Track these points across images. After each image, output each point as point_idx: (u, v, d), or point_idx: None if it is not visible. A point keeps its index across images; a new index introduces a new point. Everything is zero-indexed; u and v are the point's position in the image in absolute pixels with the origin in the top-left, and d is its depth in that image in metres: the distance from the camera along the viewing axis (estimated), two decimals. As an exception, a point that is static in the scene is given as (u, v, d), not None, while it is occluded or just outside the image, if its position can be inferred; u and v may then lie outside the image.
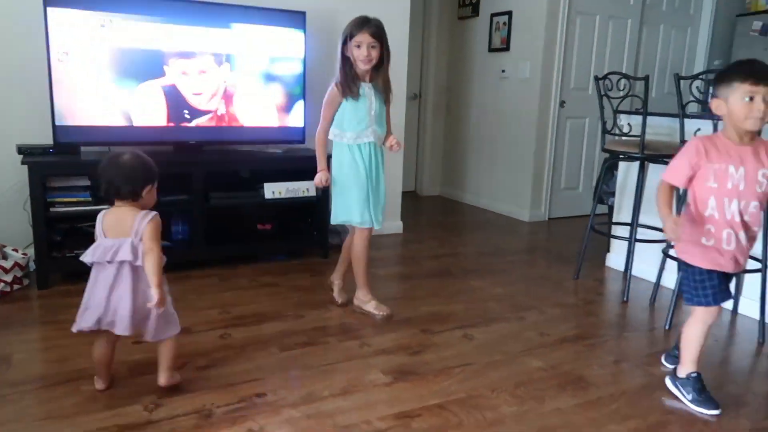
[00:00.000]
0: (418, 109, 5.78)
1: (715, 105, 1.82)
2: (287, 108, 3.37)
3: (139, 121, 3.00)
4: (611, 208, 3.69)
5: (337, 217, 2.59)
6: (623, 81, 3.01)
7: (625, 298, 2.96)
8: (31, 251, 2.86)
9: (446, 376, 2.09)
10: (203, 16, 3.05)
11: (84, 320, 1.79)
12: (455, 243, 4.04)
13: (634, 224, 2.99)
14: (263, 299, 2.77)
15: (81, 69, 2.83)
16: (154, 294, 1.72)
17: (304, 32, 3.33)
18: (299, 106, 3.40)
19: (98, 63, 2.86)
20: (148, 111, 3.02)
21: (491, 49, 5.04)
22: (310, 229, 3.52)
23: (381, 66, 2.46)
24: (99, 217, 1.81)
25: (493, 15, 4.98)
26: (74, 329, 1.80)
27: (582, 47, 4.69)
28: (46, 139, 2.90)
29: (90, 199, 2.86)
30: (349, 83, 2.42)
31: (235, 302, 2.71)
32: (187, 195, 3.06)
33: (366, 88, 2.46)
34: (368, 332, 2.45)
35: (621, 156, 3.04)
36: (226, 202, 3.19)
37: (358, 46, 2.37)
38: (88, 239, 2.97)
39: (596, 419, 1.85)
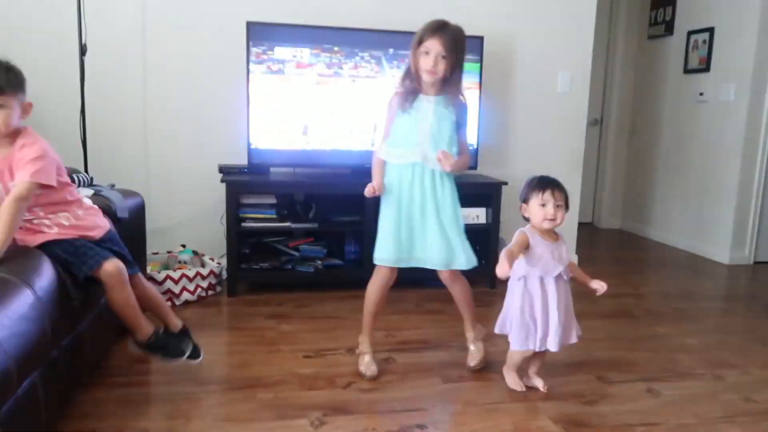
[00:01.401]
0: (599, 134, 5.43)
1: None
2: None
3: (320, 146, 3.19)
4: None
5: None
6: None
7: None
8: (224, 261, 3.15)
9: (626, 434, 1.86)
10: (376, 45, 3.15)
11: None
12: (637, 282, 3.67)
13: None
14: (428, 326, 2.75)
15: (271, 99, 3.09)
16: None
17: (481, 59, 3.29)
18: (472, 131, 3.35)
19: (287, 93, 3.10)
20: (327, 135, 3.19)
21: (687, 71, 4.56)
22: (478, 257, 3.42)
23: (451, 80, 2.09)
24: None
25: (690, 33, 4.52)
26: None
27: (804, 65, 4.03)
28: (241, 160, 3.20)
29: (275, 216, 3.09)
30: (407, 94, 2.10)
31: (400, 326, 2.71)
32: (360, 216, 3.17)
33: (425, 102, 2.10)
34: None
35: None
36: (396, 225, 3.23)
37: (427, 53, 2.01)
38: (272, 253, 3.23)
39: None
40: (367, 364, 2.21)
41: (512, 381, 2.14)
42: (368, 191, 2.13)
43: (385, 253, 2.14)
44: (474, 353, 2.30)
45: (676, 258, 4.35)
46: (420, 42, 2.03)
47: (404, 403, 2.00)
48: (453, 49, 2.02)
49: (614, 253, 4.53)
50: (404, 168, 2.12)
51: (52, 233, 1.83)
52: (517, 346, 2.04)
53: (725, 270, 4.05)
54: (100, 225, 1.99)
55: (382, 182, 2.15)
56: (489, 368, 2.30)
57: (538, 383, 2.13)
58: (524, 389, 2.11)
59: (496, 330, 2.12)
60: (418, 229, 2.14)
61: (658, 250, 4.58)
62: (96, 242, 1.92)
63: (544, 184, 1.99)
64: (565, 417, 1.95)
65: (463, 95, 2.16)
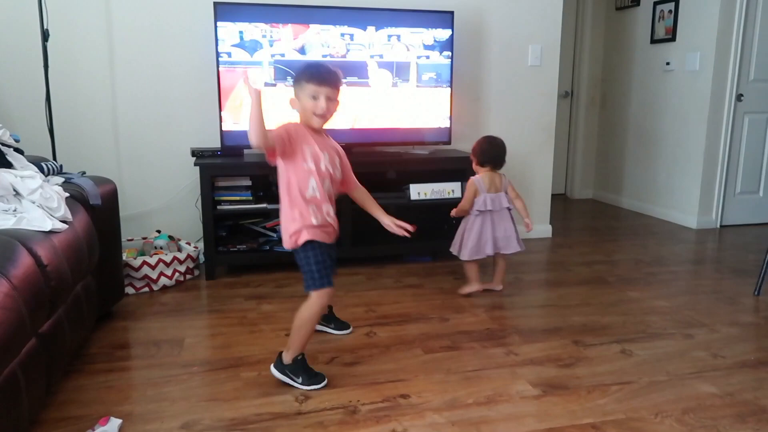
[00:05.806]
0: (570, 107, 5.49)
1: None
2: (433, 109, 3.36)
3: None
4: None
5: None
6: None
7: (821, 321, 2.54)
8: (201, 245, 3.14)
9: (601, 394, 1.93)
10: (352, 21, 3.14)
11: (485, 250, 2.77)
12: (610, 249, 3.76)
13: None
14: (407, 300, 2.78)
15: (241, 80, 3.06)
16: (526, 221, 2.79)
17: (452, 33, 3.30)
18: (445, 106, 3.37)
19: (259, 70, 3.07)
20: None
21: (654, 41, 4.63)
22: (454, 230, 3.46)
23: None
24: (478, 180, 2.77)
25: (656, 3, 4.57)
26: (468, 258, 2.77)
27: (765, 32, 4.13)
28: (214, 143, 3.17)
29: (251, 197, 3.07)
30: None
31: (380, 301, 2.75)
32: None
33: None
34: (515, 340, 2.34)
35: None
36: (372, 202, 3.25)
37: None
38: (249, 236, 3.22)
39: (787, 460, 1.59)
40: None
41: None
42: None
43: None
44: None
45: (647, 225, 4.46)
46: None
47: (387, 375, 2.04)
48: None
49: (587, 223, 4.62)
50: None
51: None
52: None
53: (693, 234, 4.16)
54: None
55: None
56: (469, 337, 2.36)
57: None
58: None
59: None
60: None
61: (630, 218, 4.69)
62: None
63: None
64: (544, 380, 2.01)
65: None
